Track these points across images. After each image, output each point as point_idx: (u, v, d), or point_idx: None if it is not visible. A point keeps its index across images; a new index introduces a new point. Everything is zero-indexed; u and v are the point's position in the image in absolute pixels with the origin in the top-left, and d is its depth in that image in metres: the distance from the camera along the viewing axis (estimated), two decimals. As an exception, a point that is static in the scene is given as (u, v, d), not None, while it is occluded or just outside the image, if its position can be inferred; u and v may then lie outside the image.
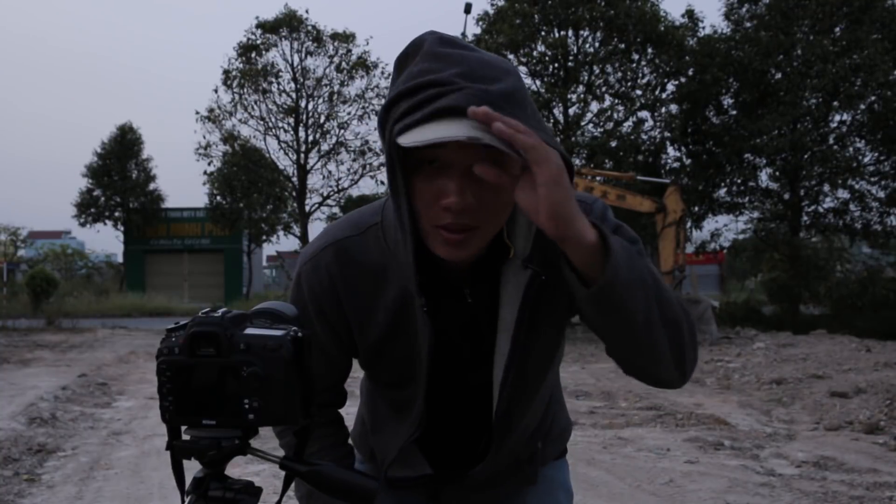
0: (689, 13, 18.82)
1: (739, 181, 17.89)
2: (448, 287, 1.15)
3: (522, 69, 19.21)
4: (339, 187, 26.45)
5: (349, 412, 1.33)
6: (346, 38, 25.27)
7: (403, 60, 1.03)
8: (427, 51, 1.00)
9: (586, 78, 18.83)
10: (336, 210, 27.92)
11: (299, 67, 25.29)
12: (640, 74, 18.91)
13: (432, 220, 1.02)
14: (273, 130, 25.42)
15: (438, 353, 1.15)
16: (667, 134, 18.61)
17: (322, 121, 25.63)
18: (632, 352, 1.04)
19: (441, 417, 1.24)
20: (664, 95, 18.76)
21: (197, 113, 24.95)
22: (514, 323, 1.11)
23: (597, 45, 18.74)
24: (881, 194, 17.69)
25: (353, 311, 1.17)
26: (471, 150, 0.95)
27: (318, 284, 1.15)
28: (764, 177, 18.40)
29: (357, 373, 1.30)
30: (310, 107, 25.54)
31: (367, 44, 26.68)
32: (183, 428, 0.87)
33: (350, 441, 1.36)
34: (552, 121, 18.99)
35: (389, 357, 1.19)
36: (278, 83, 25.15)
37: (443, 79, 0.96)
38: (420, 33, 1.05)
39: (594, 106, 18.98)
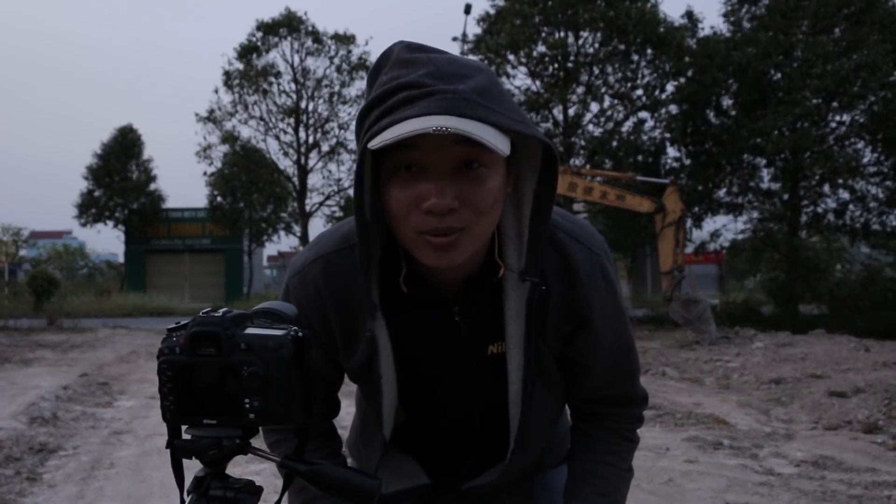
0: (689, 14, 18.83)
1: (739, 181, 17.90)
2: (436, 304, 1.11)
3: (522, 69, 19.25)
4: (340, 187, 26.48)
5: (349, 412, 1.33)
6: (347, 39, 25.30)
7: (375, 73, 1.00)
8: (395, 59, 0.98)
9: (586, 78, 18.85)
10: (336, 210, 27.95)
11: (299, 68, 25.32)
12: (640, 75, 18.94)
13: (415, 226, 0.96)
14: (273, 131, 25.45)
15: (415, 373, 1.14)
16: (667, 134, 18.64)
17: (322, 121, 25.65)
18: None
19: (438, 430, 1.23)
20: (664, 96, 18.79)
21: (197, 114, 25.00)
22: (522, 337, 1.08)
23: (597, 45, 18.76)
24: (881, 195, 17.68)
25: (339, 327, 1.14)
26: (447, 149, 0.93)
27: (306, 299, 1.13)
28: (764, 177, 18.41)
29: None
30: (310, 107, 25.56)
31: (368, 45, 26.72)
32: (183, 427, 0.87)
33: (345, 449, 1.34)
34: (552, 121, 19.02)
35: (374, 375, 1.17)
36: (278, 84, 25.19)
37: (412, 81, 0.93)
38: (393, 42, 1.02)
39: (594, 106, 19.04)
